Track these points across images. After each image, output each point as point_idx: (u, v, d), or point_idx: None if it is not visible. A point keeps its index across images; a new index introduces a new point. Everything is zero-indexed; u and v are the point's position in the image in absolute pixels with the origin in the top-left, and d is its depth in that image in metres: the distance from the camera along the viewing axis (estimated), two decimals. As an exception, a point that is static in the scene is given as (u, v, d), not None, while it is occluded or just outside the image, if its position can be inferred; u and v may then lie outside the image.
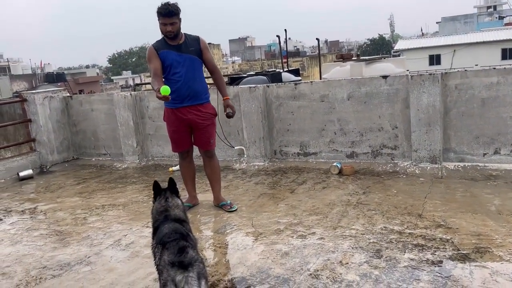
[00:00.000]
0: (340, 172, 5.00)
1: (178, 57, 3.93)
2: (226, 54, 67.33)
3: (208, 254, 3.38)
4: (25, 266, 3.42)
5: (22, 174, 6.22)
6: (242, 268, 3.07)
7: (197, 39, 4.03)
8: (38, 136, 6.75)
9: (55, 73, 43.19)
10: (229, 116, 4.09)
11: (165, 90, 3.52)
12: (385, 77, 5.15)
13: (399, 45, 41.03)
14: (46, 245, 3.81)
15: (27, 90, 20.70)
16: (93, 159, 7.01)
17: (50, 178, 6.23)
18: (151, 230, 3.86)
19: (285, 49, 18.91)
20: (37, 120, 6.69)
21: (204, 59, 4.05)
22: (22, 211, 4.82)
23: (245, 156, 5.89)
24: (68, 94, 7.28)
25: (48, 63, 58.18)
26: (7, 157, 6.82)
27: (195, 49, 3.98)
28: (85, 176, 6.13)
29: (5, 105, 8.60)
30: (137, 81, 43.77)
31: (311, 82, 5.64)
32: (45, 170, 6.65)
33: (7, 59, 59.64)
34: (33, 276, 3.23)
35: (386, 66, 10.32)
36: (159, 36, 4.05)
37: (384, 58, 12.36)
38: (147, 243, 3.61)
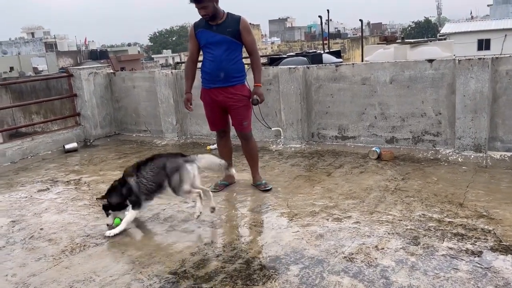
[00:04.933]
0: (379, 157, 4.92)
1: (212, 37, 3.94)
2: (265, 35, 66.82)
3: (243, 232, 3.43)
4: (70, 233, 3.60)
5: (67, 146, 6.49)
6: (276, 247, 3.10)
7: (237, 20, 3.94)
8: (82, 110, 7.00)
9: (98, 50, 44.35)
10: (253, 103, 4.07)
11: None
12: (430, 61, 4.96)
13: (446, 29, 39.29)
14: (89, 214, 3.99)
15: (72, 66, 21.44)
16: (134, 135, 7.21)
17: (93, 151, 6.47)
18: (188, 206, 3.99)
19: (326, 30, 18.51)
20: (82, 95, 6.93)
21: (243, 41, 3.98)
22: (67, 181, 5.05)
23: (282, 137, 5.89)
24: (111, 71, 7.48)
25: (92, 41, 59.82)
26: (54, 130, 7.13)
27: (232, 30, 3.91)
28: (126, 151, 6.32)
29: (52, 79, 8.95)
30: (177, 60, 44.29)
31: (353, 64, 5.52)
32: (89, 143, 6.91)
33: (54, 35, 61.74)
34: (77, 243, 3.40)
35: (432, 50, 9.92)
36: (198, 16, 4.04)
37: (430, 41, 11.87)
38: (184, 218, 3.72)
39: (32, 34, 65.27)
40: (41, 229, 3.73)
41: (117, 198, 3.52)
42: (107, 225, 3.54)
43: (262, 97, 4.06)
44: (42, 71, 36.01)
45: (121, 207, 3.55)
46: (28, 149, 6.16)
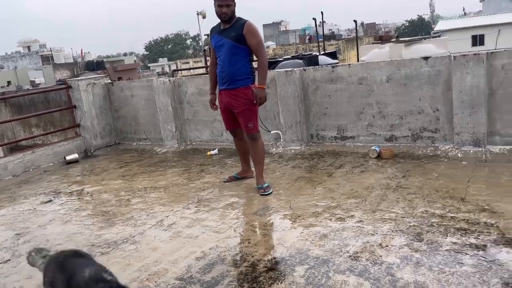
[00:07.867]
0: (379, 156, 4.94)
1: (219, 41, 4.14)
2: (260, 39, 66.81)
3: (247, 235, 3.45)
4: (75, 243, 3.61)
5: (68, 158, 6.51)
6: (281, 249, 3.12)
7: (242, 24, 4.04)
8: (82, 121, 7.03)
9: (95, 61, 44.42)
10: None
11: None
12: (426, 58, 5.00)
13: (439, 26, 39.43)
14: (93, 224, 4.01)
15: (69, 78, 21.59)
16: (134, 144, 7.23)
17: (94, 162, 6.49)
18: (191, 211, 4.01)
19: (320, 32, 18.59)
20: (81, 106, 6.95)
21: (249, 45, 4.06)
22: (70, 192, 5.06)
23: (281, 140, 5.91)
24: (109, 81, 7.51)
25: (88, 52, 59.85)
26: (54, 142, 7.15)
27: (235, 34, 4.03)
28: (127, 160, 6.34)
29: (51, 92, 8.98)
30: (173, 67, 44.41)
31: (349, 64, 5.56)
32: (89, 154, 6.92)
33: (50, 48, 61.82)
34: (83, 253, 3.41)
35: (427, 47, 9.97)
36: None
37: (425, 39, 11.93)
38: (188, 224, 3.74)
39: (28, 47, 65.32)
40: (47, 240, 3.74)
41: None
42: None
43: (262, 100, 4.13)
44: (39, 84, 36.06)
45: None
46: (30, 162, 6.17)
